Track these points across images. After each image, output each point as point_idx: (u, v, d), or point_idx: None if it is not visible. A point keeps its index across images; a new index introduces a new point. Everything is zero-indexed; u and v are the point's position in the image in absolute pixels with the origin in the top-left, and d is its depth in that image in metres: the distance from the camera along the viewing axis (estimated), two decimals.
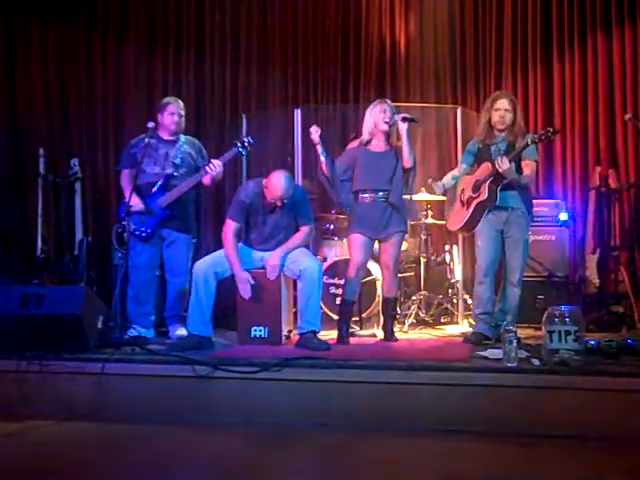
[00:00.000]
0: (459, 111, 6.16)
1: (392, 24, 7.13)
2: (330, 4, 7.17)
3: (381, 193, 5.03)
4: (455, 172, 5.21)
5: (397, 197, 5.04)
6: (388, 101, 5.17)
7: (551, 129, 4.78)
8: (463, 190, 5.12)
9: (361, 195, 5.08)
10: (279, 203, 4.94)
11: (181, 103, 5.51)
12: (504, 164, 4.74)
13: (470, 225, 5.06)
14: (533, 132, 6.44)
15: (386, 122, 5.01)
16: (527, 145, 4.81)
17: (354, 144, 5.19)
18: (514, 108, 4.98)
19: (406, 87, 7.05)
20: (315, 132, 5.00)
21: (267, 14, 7.24)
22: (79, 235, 6.60)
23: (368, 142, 5.12)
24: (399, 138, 5.01)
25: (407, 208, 5.25)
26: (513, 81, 6.71)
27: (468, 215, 5.04)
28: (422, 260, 6.18)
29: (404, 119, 4.95)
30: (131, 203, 5.16)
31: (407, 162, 4.99)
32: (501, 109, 4.94)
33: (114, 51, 7.29)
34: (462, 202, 5.11)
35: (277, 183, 4.87)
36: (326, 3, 7.18)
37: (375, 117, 5.06)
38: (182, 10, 7.30)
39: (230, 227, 5.01)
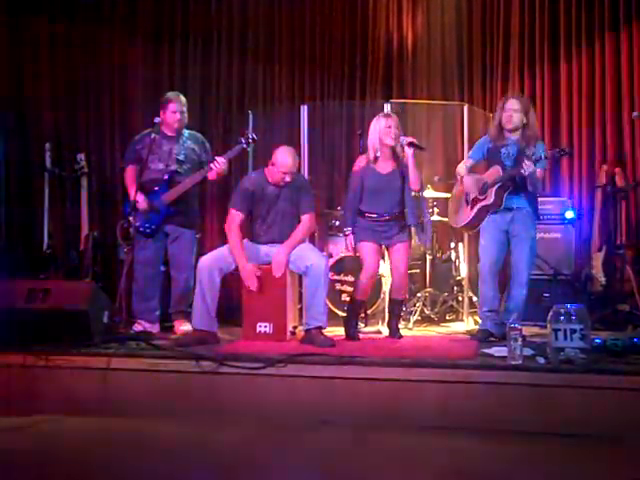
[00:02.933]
0: (466, 108, 6.14)
1: (399, 21, 7.13)
2: (337, 0, 7.17)
3: (387, 216, 5.02)
4: (467, 168, 5.18)
5: (413, 218, 5.03)
6: (393, 115, 5.12)
7: (566, 150, 4.90)
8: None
9: (367, 214, 5.06)
10: (288, 178, 4.95)
11: (183, 99, 5.50)
12: (529, 167, 4.70)
13: (473, 225, 5.09)
14: (540, 132, 6.49)
15: (393, 138, 4.97)
16: (540, 159, 4.81)
17: (360, 163, 5.12)
18: (524, 109, 4.95)
19: (413, 84, 7.05)
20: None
21: (274, 10, 7.24)
22: (85, 230, 6.61)
23: (375, 160, 5.05)
24: (404, 157, 5.00)
25: (420, 226, 5.17)
26: (520, 79, 6.70)
27: (472, 215, 5.05)
28: (428, 257, 6.18)
29: (410, 144, 4.92)
30: (137, 199, 5.18)
31: (415, 186, 4.99)
32: (509, 109, 4.94)
33: (121, 46, 7.30)
34: (467, 200, 5.11)
35: (284, 154, 4.94)
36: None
37: (380, 132, 5.00)
38: (189, 6, 7.31)
39: (233, 217, 5.02)
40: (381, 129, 4.99)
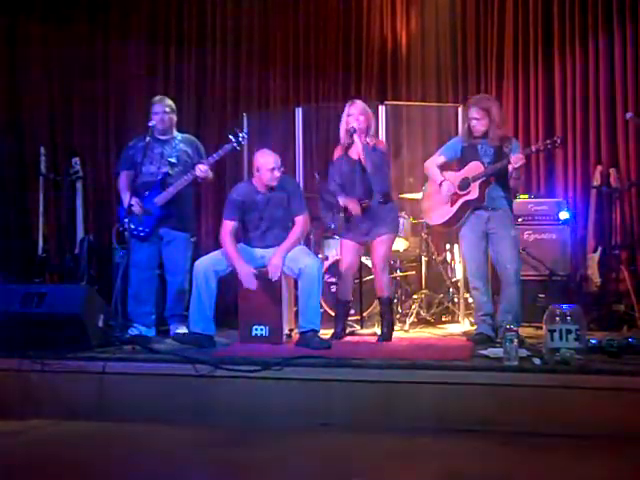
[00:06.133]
0: (460, 110, 6.15)
1: (393, 23, 7.15)
2: (332, 3, 7.18)
3: (361, 203, 5.00)
4: (438, 166, 5.16)
5: (376, 202, 5.01)
6: (357, 103, 5.09)
7: (558, 140, 4.80)
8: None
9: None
10: (277, 173, 4.97)
11: (167, 101, 5.53)
12: (520, 160, 4.72)
13: (453, 222, 5.08)
14: (534, 132, 6.51)
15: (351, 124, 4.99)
16: (532, 152, 4.92)
17: (337, 153, 5.16)
18: (486, 114, 4.92)
19: (407, 86, 7.07)
20: None
21: (268, 13, 7.25)
22: (80, 234, 6.61)
23: (348, 146, 5.07)
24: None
25: (394, 210, 5.19)
26: (514, 79, 6.71)
27: (453, 212, 5.05)
28: (423, 259, 6.19)
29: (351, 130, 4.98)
30: (131, 203, 5.20)
31: (369, 169, 4.96)
32: (472, 119, 4.97)
33: (116, 50, 7.31)
34: (445, 197, 5.11)
35: (262, 155, 5.00)
36: (327, 2, 7.19)
37: (345, 120, 5.05)
38: (184, 9, 7.33)
39: (226, 227, 5.03)
40: (345, 117, 5.05)
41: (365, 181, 4.99)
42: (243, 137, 5.40)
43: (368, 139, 5.04)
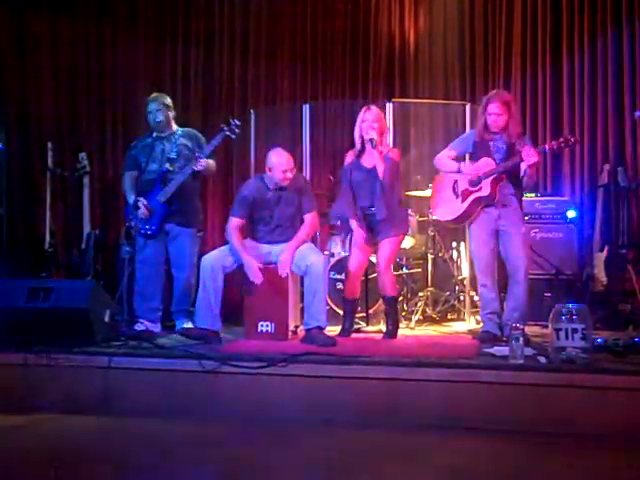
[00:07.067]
0: (468, 107, 6.14)
1: (401, 20, 7.15)
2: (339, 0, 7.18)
3: (372, 210, 5.01)
4: (450, 159, 5.15)
5: (381, 212, 4.97)
6: (373, 109, 5.05)
7: (571, 139, 4.79)
8: (456, 181, 5.09)
9: (356, 210, 5.07)
10: (290, 174, 4.96)
11: (161, 98, 5.50)
12: (534, 157, 4.69)
13: (463, 218, 5.07)
14: (541, 130, 6.50)
15: (369, 134, 4.94)
16: (545, 151, 4.90)
17: (349, 158, 5.14)
18: (507, 110, 4.89)
19: (415, 83, 7.07)
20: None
21: (276, 10, 7.24)
22: (87, 229, 6.61)
23: (360, 153, 5.07)
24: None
25: (404, 213, 5.22)
26: (522, 77, 6.69)
27: (463, 208, 5.02)
28: (429, 257, 6.18)
29: (369, 140, 4.94)
30: (137, 201, 5.25)
31: (383, 178, 4.93)
32: (492, 114, 4.90)
33: (123, 46, 7.31)
34: (455, 193, 5.09)
35: (276, 155, 4.97)
36: None
37: (360, 126, 5.02)
38: (191, 5, 7.32)
39: (232, 224, 5.03)
40: (360, 123, 5.01)
41: (377, 190, 4.95)
42: (235, 124, 5.37)
43: (381, 147, 5.00)
